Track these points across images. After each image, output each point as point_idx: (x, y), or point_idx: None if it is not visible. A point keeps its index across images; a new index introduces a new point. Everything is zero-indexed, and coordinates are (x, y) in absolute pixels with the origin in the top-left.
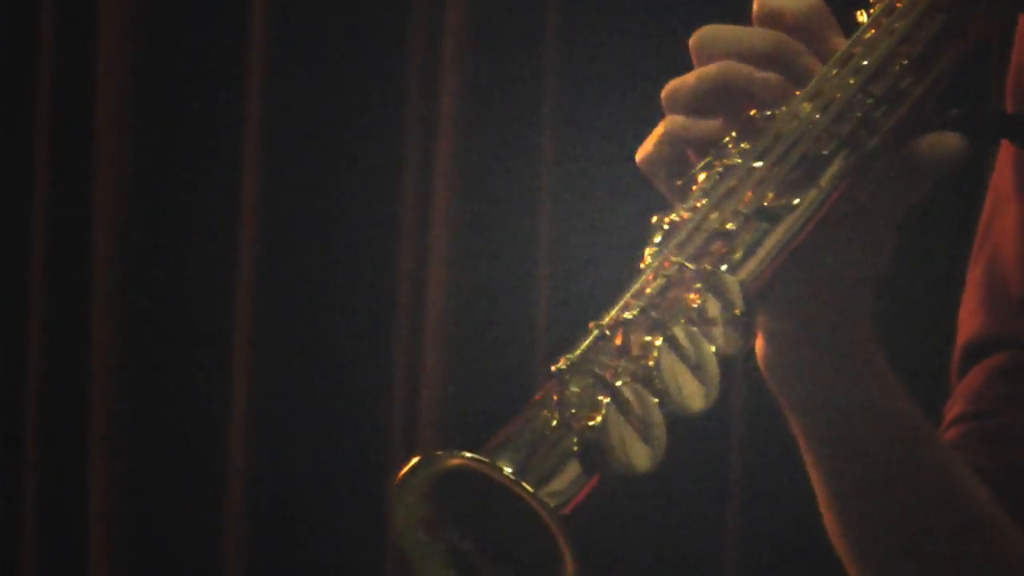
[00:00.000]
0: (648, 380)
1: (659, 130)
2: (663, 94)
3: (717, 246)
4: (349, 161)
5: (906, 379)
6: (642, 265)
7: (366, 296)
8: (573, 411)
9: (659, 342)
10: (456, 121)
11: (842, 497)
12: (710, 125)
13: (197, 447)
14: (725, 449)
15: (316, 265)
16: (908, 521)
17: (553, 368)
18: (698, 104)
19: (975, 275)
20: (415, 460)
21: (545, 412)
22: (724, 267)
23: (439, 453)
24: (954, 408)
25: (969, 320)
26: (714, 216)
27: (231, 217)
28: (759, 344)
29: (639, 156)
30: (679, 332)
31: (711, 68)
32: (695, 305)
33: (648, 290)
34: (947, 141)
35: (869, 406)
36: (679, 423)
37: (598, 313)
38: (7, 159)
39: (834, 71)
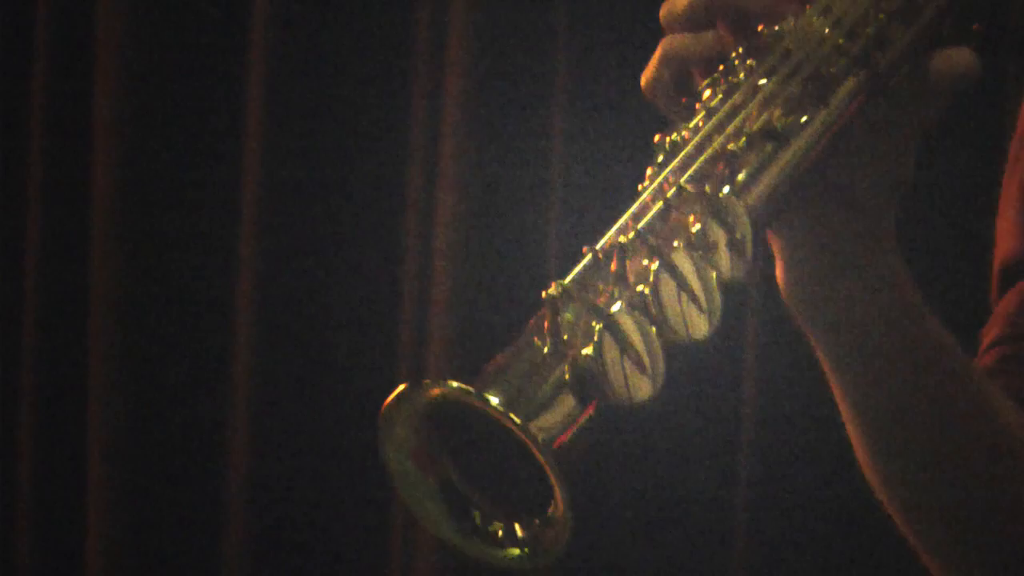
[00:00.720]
0: (645, 307)
1: (659, 51)
2: (661, 14)
3: (720, 168)
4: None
5: (942, 302)
6: (640, 187)
7: (367, 294)
8: (565, 339)
9: (656, 267)
10: (462, 111)
11: (870, 425)
12: (707, 41)
13: (197, 442)
14: (736, 402)
15: (318, 260)
16: (938, 448)
17: (544, 294)
18: (694, 19)
19: (1010, 193)
20: (401, 389)
21: (536, 340)
22: (727, 189)
23: (426, 382)
24: (991, 331)
25: (1005, 240)
26: (718, 137)
27: (232, 216)
28: (778, 269)
29: (642, 81)
30: (678, 257)
31: None
32: (695, 229)
33: (646, 213)
34: (961, 57)
35: (893, 326)
36: (679, 353)
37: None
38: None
39: None
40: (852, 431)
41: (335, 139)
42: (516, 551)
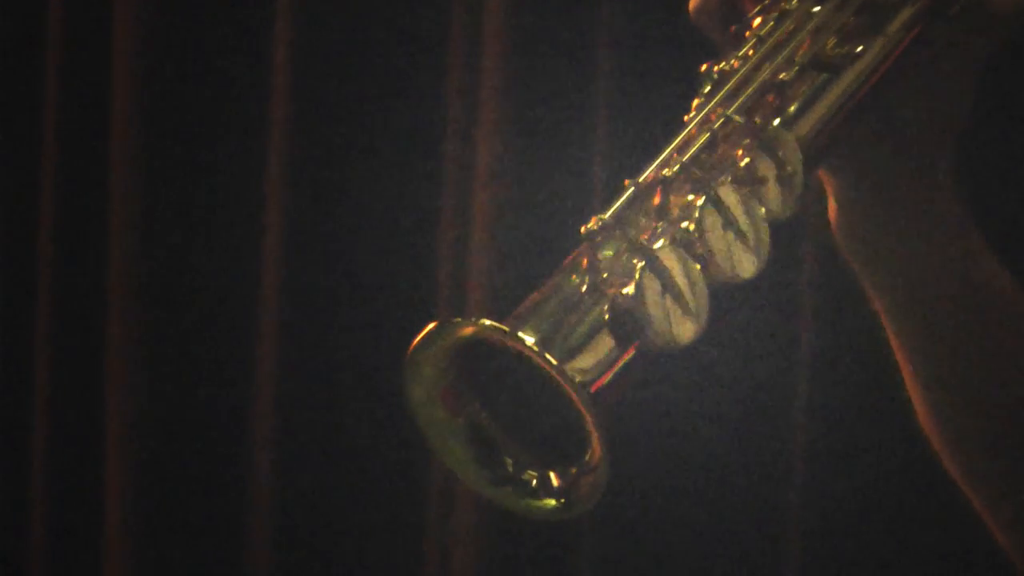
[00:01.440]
0: (689, 244)
1: None
2: None
3: (770, 99)
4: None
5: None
6: (686, 118)
7: (398, 292)
8: (604, 276)
9: (702, 202)
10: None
11: (930, 382)
12: None
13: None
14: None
15: (343, 254)
16: (1003, 410)
17: (583, 230)
18: None
19: None
20: (430, 327)
21: (574, 278)
22: (777, 121)
23: (457, 320)
24: None
25: None
26: (768, 66)
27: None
28: (830, 210)
29: (690, 5)
30: (725, 192)
31: None
32: (744, 163)
33: (692, 146)
34: None
35: (950, 270)
36: (724, 292)
37: None
38: (17, 150)
39: None
40: (910, 383)
41: (361, 131)
42: (552, 501)
